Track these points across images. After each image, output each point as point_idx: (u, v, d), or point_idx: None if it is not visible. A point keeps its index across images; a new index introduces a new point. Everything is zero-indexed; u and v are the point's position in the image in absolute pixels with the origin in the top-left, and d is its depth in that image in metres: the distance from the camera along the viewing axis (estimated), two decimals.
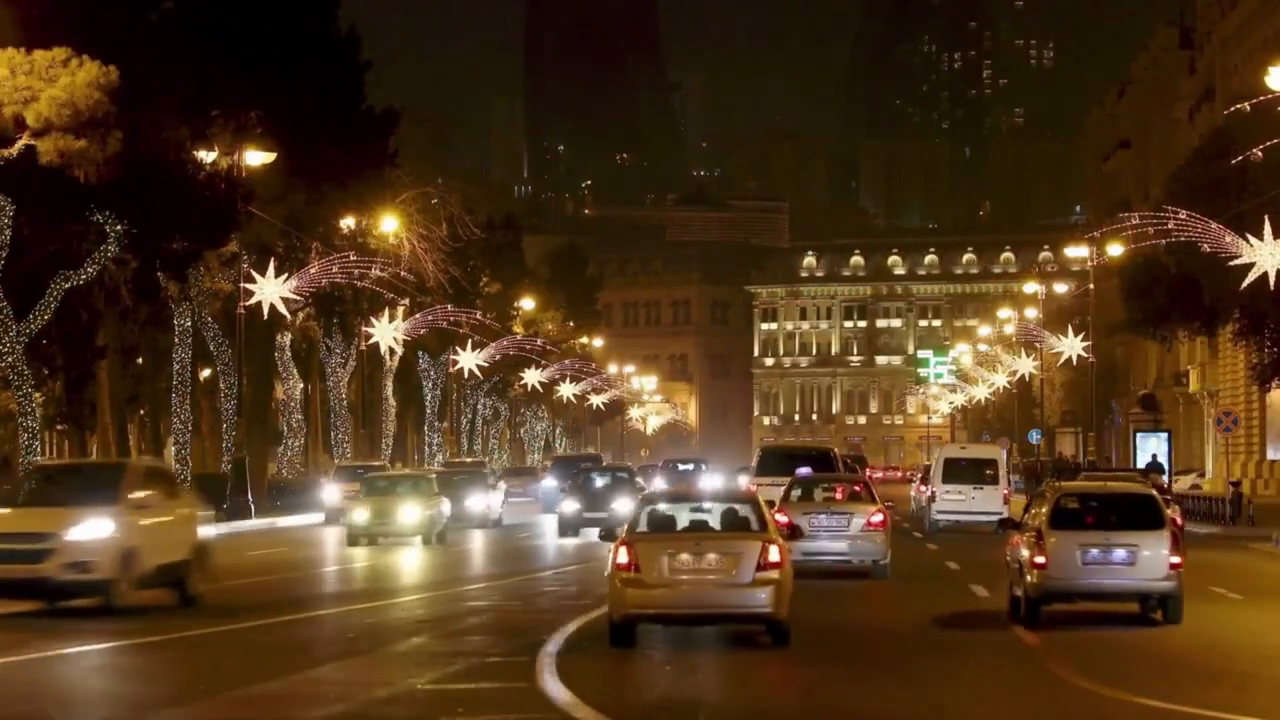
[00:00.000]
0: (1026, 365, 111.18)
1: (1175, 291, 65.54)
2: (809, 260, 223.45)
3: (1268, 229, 51.61)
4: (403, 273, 73.28)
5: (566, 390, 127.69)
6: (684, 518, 23.27)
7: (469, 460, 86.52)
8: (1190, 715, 17.35)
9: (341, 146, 64.33)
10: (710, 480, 69.70)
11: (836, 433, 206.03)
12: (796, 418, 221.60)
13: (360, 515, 46.53)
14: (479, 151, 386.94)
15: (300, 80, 61.99)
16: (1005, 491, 53.15)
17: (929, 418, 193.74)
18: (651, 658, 22.01)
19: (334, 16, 67.14)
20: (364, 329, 73.94)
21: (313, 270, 62.08)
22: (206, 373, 75.82)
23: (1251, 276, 51.93)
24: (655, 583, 21.88)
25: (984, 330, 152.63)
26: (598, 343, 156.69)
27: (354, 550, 44.61)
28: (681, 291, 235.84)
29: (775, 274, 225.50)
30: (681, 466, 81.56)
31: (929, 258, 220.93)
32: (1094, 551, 25.06)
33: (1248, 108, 53.39)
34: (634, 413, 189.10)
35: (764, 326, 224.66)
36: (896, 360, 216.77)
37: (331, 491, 61.10)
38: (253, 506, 58.72)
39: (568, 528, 50.18)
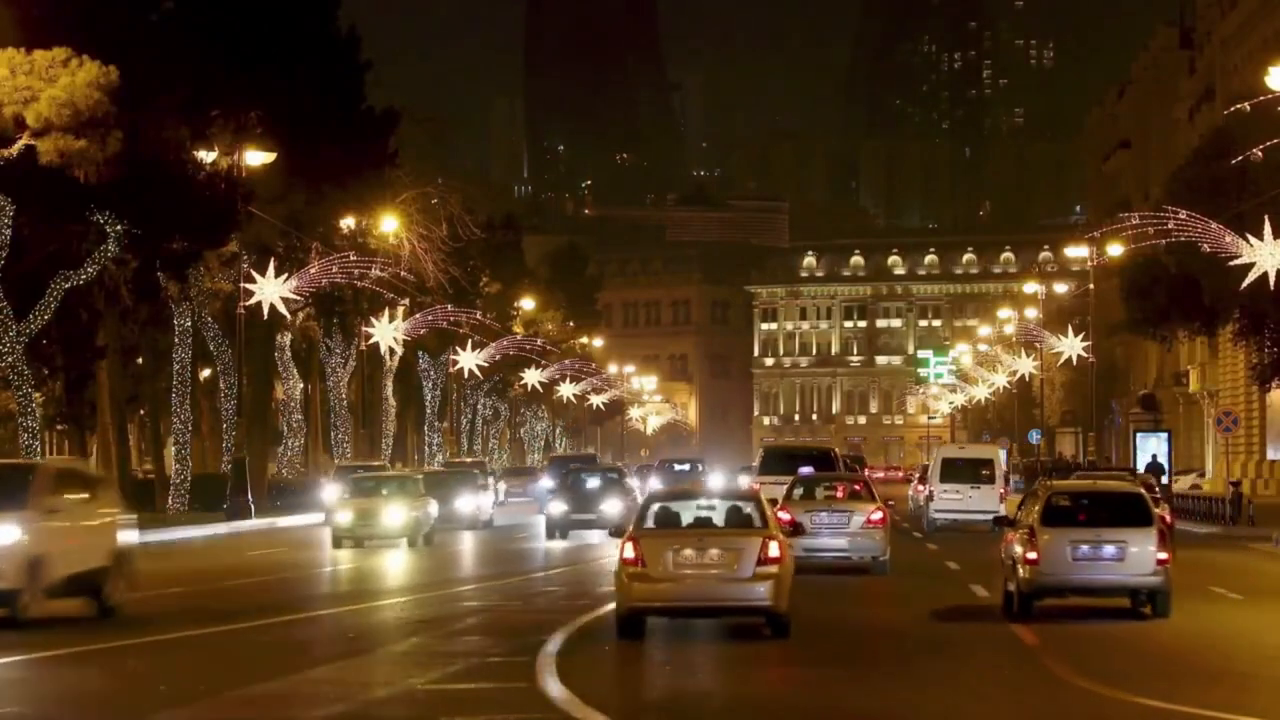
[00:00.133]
0: (1026, 365, 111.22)
1: (1175, 291, 65.54)
2: (809, 260, 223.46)
3: (1268, 229, 51.61)
4: (403, 273, 73.29)
5: (566, 390, 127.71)
6: (689, 514, 23.98)
7: (469, 460, 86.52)
8: (1190, 715, 17.35)
9: (341, 146, 64.36)
10: (708, 480, 69.65)
11: (836, 433, 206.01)
12: (796, 418, 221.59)
13: (344, 517, 45.38)
14: (479, 151, 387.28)
15: (300, 80, 62.01)
16: (1001, 491, 54.15)
17: (929, 418, 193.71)
18: (651, 657, 22.06)
19: (334, 16, 67.18)
20: (364, 329, 73.95)
21: (313, 270, 62.09)
22: (206, 373, 75.83)
23: (1251, 276, 51.93)
24: (660, 577, 22.67)
25: (984, 330, 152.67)
26: (598, 343, 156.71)
27: (338, 553, 43.53)
28: (681, 291, 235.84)
29: (775, 274, 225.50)
30: (677, 467, 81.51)
31: (929, 258, 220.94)
32: (1084, 548, 25.82)
33: (1248, 108, 53.41)
34: (634, 413, 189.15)
35: (764, 326, 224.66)
36: (896, 360, 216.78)
37: (331, 492, 60.93)
38: (253, 506, 58.73)
39: (555, 529, 48.97)
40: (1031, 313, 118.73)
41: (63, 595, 25.28)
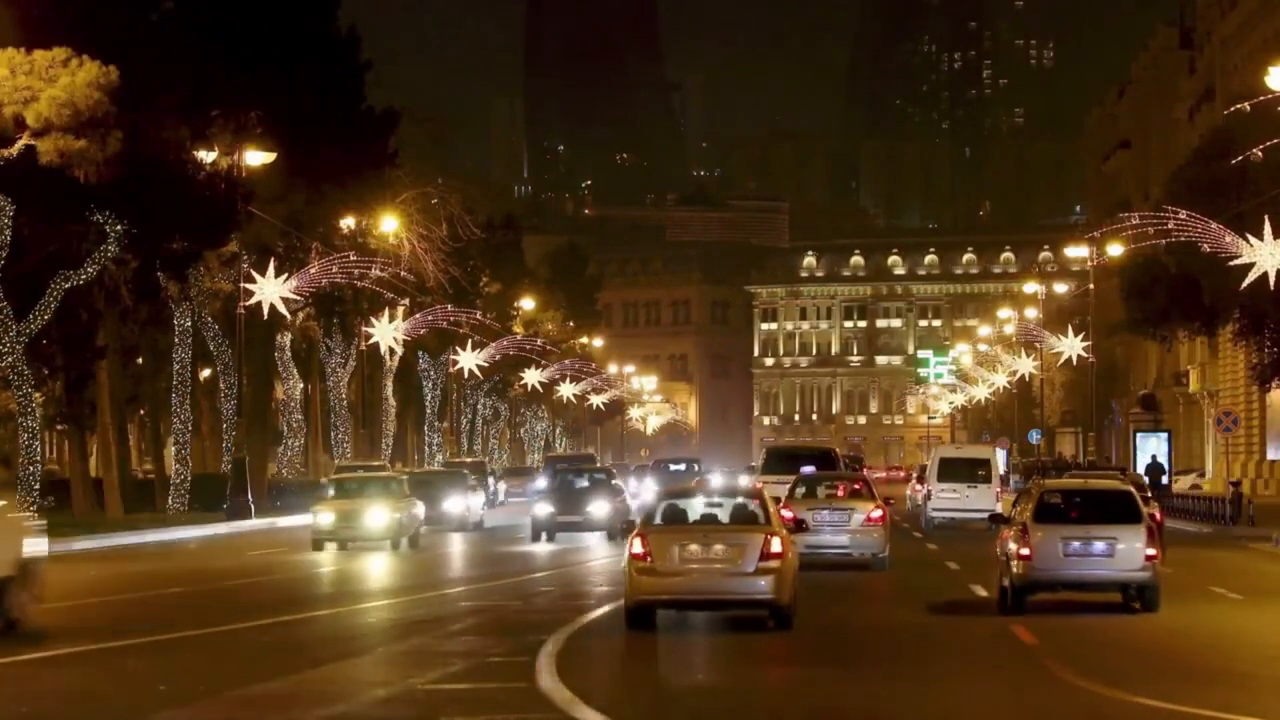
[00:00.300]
0: (1026, 365, 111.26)
1: (1175, 291, 65.54)
2: (809, 260, 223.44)
3: (1268, 229, 51.61)
4: (403, 273, 73.30)
5: (566, 390, 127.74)
6: (696, 511, 25.01)
7: (469, 460, 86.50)
8: (1190, 715, 17.33)
9: (341, 146, 64.38)
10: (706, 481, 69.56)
11: (836, 433, 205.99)
12: (796, 418, 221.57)
13: (325, 518, 43.57)
14: (479, 151, 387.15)
15: (300, 80, 62.03)
16: (998, 490, 55.35)
17: (929, 418, 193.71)
18: (652, 656, 22.08)
19: (334, 16, 67.19)
20: (364, 329, 73.95)
21: (313, 270, 62.09)
22: (206, 373, 75.80)
23: (1251, 276, 51.94)
24: (667, 571, 23.59)
25: (984, 330, 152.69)
26: (598, 343, 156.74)
27: (317, 556, 42.03)
28: (681, 291, 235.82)
29: (775, 274, 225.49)
30: (673, 467, 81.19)
31: (929, 258, 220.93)
32: (1075, 544, 26.56)
33: (1248, 108, 53.42)
34: (634, 413, 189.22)
35: (764, 326, 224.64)
36: (896, 360, 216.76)
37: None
38: (253, 507, 58.73)
39: (541, 531, 47.14)
40: (1031, 313, 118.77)
41: None
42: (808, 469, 43.30)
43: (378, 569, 38.38)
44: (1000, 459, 69.01)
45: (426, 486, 52.55)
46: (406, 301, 78.27)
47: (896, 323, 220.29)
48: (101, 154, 45.87)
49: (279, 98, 59.15)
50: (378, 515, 43.67)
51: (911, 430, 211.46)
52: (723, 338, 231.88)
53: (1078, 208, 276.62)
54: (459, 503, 54.98)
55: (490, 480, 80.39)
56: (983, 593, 30.58)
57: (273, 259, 61.08)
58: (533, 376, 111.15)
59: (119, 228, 50.30)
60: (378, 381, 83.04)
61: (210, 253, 57.57)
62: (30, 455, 50.69)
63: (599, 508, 47.31)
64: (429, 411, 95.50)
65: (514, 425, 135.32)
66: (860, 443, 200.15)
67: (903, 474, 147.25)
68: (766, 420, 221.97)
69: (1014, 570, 26.66)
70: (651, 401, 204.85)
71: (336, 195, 66.33)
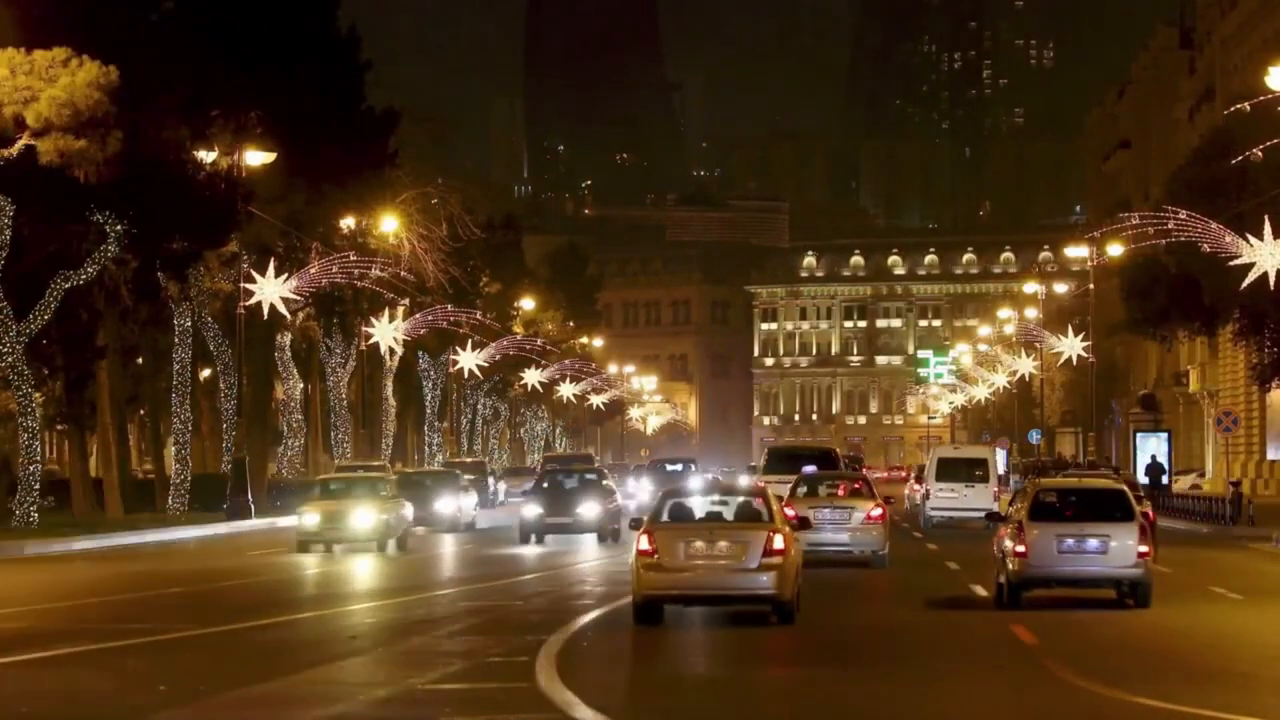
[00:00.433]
0: (1026, 365, 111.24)
1: (1175, 291, 65.55)
2: (809, 260, 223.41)
3: (1268, 229, 51.60)
4: (403, 273, 73.29)
5: (566, 390, 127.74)
6: (702, 509, 25.76)
7: (469, 460, 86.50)
8: (1190, 715, 17.33)
9: (341, 146, 64.37)
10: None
11: (836, 433, 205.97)
12: (796, 418, 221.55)
13: (310, 519, 42.40)
14: (479, 151, 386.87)
15: (300, 80, 62.02)
16: (995, 489, 56.17)
17: (929, 418, 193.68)
18: (652, 657, 22.09)
19: (334, 16, 67.19)
20: (364, 329, 73.94)
21: (313, 270, 62.08)
22: (206, 373, 75.78)
23: (1251, 276, 51.93)
24: (672, 567, 24.25)
25: (984, 330, 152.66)
26: (598, 343, 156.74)
27: (302, 558, 40.94)
28: (681, 291, 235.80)
29: (775, 274, 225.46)
30: (670, 467, 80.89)
31: (929, 258, 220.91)
32: (1069, 541, 27.14)
33: (1248, 108, 53.41)
34: (634, 413, 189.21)
35: (764, 326, 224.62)
36: (896, 360, 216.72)
37: None
38: (253, 507, 58.72)
39: (530, 533, 45.81)
40: (1031, 313, 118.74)
41: None
42: (809, 469, 43.85)
43: (361, 571, 37.58)
44: (1000, 459, 69.37)
45: (417, 487, 51.96)
46: (406, 301, 78.26)
47: (896, 323, 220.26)
48: (101, 154, 45.87)
49: (279, 98, 59.14)
50: (364, 516, 42.60)
51: (911, 430, 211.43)
52: (723, 338, 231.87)
53: (1078, 208, 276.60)
54: (450, 503, 54.14)
55: (490, 480, 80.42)
56: (982, 592, 30.63)
57: (273, 259, 61.06)
58: (533, 376, 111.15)
59: (119, 228, 50.29)
60: (378, 381, 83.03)
61: (210, 253, 57.56)
62: (30, 455, 50.70)
63: (589, 509, 46.12)
64: (429, 411, 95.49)
65: (514, 425, 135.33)
66: (860, 443, 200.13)
67: (903, 474, 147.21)
68: (766, 420, 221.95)
69: (1010, 567, 27.23)
70: (651, 401, 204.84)
71: (336, 195, 66.32)
